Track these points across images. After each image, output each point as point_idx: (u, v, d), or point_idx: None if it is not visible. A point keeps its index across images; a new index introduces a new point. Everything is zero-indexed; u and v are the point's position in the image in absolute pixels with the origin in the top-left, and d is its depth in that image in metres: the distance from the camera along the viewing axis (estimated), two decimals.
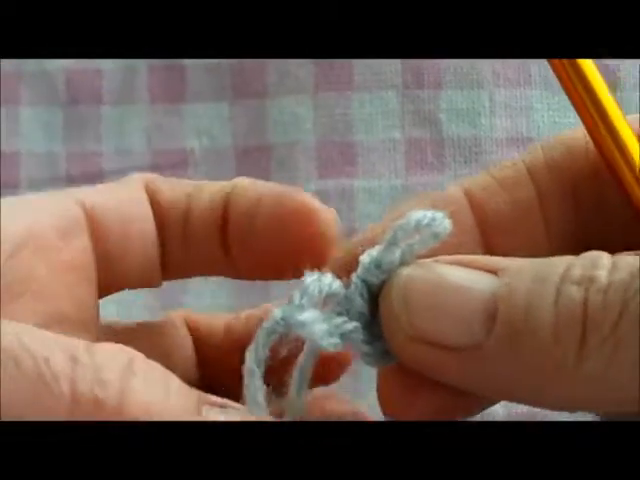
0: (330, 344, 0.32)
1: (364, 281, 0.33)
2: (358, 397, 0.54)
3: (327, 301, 0.33)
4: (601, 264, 0.29)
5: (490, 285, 0.30)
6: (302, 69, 0.59)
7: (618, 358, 0.27)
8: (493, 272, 0.30)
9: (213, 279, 0.44)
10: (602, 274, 0.28)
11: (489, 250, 0.34)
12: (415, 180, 0.58)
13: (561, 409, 0.31)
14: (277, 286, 0.42)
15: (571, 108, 0.56)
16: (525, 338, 0.29)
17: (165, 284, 0.40)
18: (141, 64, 0.62)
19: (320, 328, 0.32)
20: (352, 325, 0.32)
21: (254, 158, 0.60)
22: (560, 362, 0.28)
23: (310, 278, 0.33)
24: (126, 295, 0.40)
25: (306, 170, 0.59)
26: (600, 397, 0.29)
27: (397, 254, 0.32)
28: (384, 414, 0.35)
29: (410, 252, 0.32)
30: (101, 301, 0.38)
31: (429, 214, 0.32)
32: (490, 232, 0.35)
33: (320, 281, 0.33)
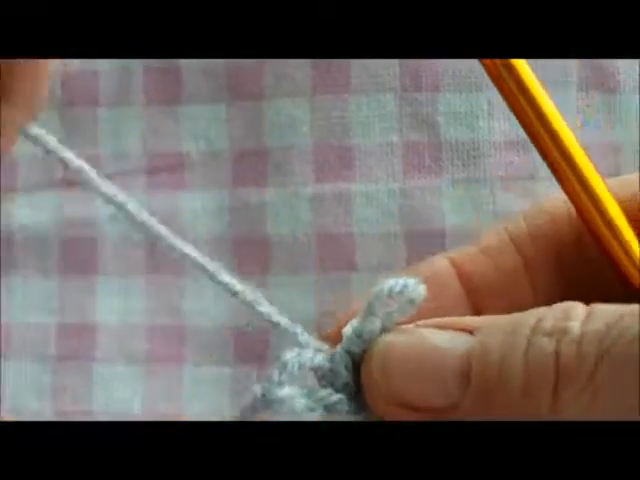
0: (312, 417, 0.33)
1: (348, 352, 0.34)
2: None
3: (315, 373, 0.34)
4: (574, 315, 0.29)
5: (465, 344, 0.30)
6: (299, 71, 0.59)
7: (597, 405, 0.28)
8: (469, 331, 0.30)
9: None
10: (575, 325, 0.29)
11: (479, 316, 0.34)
12: (413, 184, 0.58)
13: None
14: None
15: (569, 110, 0.56)
16: (498, 392, 0.29)
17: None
18: (137, 66, 0.62)
19: (300, 403, 0.33)
20: (337, 397, 0.33)
21: (251, 161, 0.60)
22: (533, 413, 0.29)
23: (289, 354, 0.33)
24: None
25: (303, 174, 0.59)
26: None
27: (377, 323, 0.33)
28: None
29: (389, 320, 0.33)
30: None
31: (401, 281, 0.32)
32: (479, 300, 0.36)
33: (300, 356, 0.33)
